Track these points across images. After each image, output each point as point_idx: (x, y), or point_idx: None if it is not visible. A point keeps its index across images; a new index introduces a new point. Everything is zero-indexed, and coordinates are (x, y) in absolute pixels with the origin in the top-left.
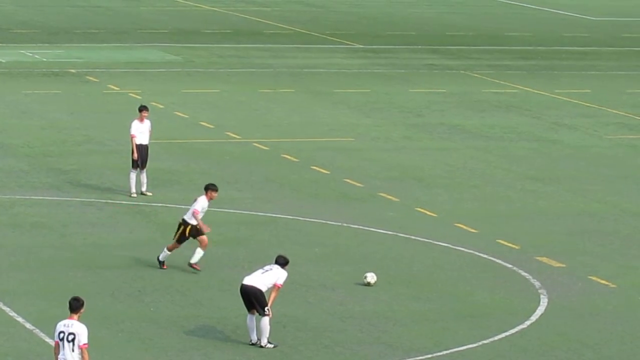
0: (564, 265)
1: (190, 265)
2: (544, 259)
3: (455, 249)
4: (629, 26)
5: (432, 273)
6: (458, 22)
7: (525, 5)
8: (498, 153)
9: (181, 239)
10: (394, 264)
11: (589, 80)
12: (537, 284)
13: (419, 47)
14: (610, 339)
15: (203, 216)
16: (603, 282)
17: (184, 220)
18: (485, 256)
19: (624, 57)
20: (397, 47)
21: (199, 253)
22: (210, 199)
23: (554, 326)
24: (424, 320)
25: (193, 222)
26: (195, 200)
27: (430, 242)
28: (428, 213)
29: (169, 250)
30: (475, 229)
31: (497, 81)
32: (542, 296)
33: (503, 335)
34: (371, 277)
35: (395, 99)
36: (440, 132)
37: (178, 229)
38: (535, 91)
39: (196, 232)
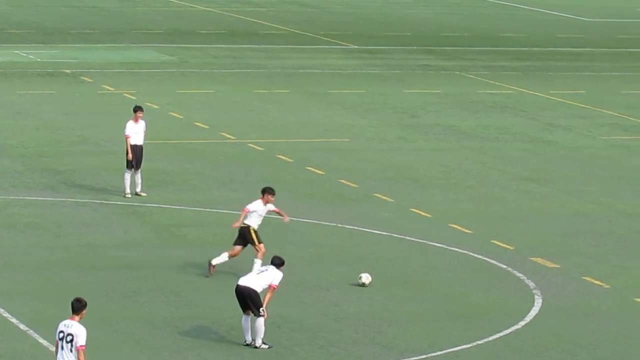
0: (558, 266)
1: (210, 264)
2: (539, 260)
3: (450, 249)
4: (623, 27)
5: (426, 274)
6: (453, 23)
7: (519, 6)
8: (493, 154)
9: (257, 238)
10: (389, 265)
11: (584, 81)
12: (531, 284)
13: (414, 47)
14: (605, 339)
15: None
16: (597, 282)
17: (244, 223)
18: (479, 257)
19: (618, 58)
20: (392, 47)
21: (223, 257)
22: (266, 202)
23: (548, 327)
24: (419, 321)
25: (250, 222)
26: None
27: (425, 243)
28: (423, 214)
29: (259, 257)
30: (470, 230)
31: (492, 82)
32: (536, 297)
33: (497, 335)
34: (366, 278)
35: (390, 99)
36: (435, 133)
37: (251, 234)
38: (530, 92)
39: (244, 239)
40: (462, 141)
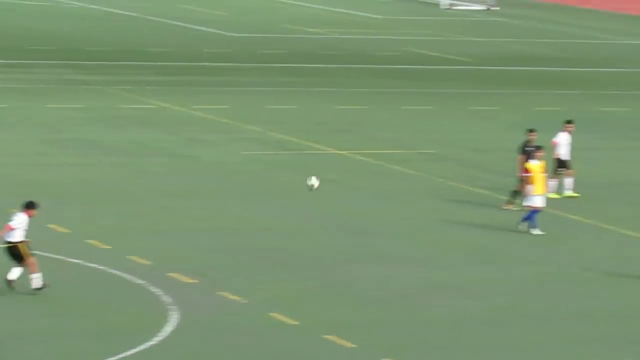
0: (195, 281)
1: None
2: (176, 275)
3: (86, 265)
4: (268, 42)
5: (61, 289)
6: (98, 37)
7: (166, 21)
8: (134, 168)
9: (28, 253)
10: (17, 281)
11: (228, 96)
12: (168, 300)
13: (57, 62)
14: (241, 354)
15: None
16: (234, 297)
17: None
18: (116, 272)
19: (262, 73)
20: (34, 62)
21: (18, 271)
22: (30, 216)
23: (184, 343)
24: (52, 338)
25: (18, 239)
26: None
27: (61, 259)
28: (60, 229)
29: (33, 272)
30: (107, 245)
31: (135, 96)
32: (172, 312)
33: (132, 352)
34: (315, 180)
35: (32, 114)
36: (76, 148)
37: (21, 251)
38: (173, 107)
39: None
40: (104, 156)
